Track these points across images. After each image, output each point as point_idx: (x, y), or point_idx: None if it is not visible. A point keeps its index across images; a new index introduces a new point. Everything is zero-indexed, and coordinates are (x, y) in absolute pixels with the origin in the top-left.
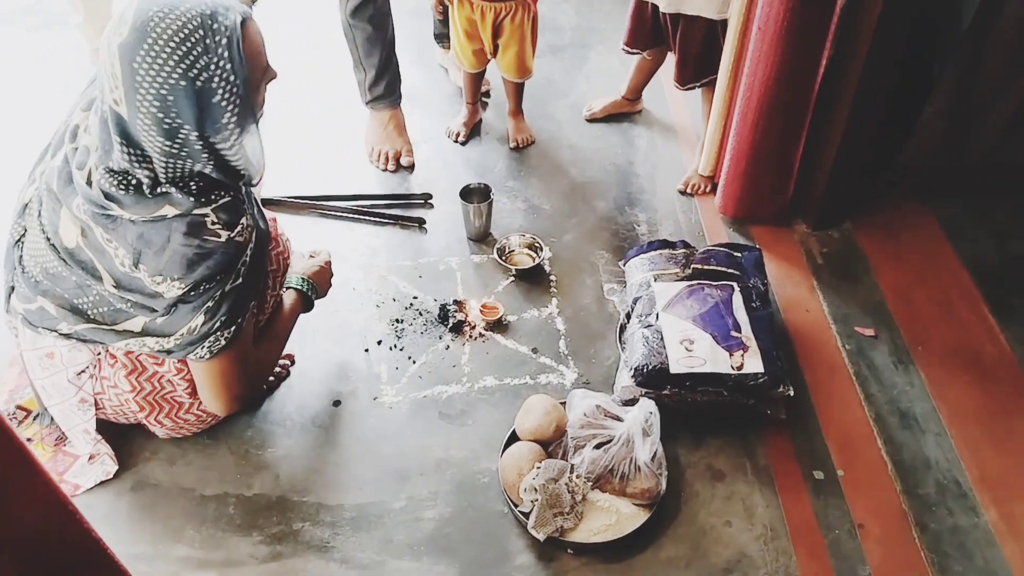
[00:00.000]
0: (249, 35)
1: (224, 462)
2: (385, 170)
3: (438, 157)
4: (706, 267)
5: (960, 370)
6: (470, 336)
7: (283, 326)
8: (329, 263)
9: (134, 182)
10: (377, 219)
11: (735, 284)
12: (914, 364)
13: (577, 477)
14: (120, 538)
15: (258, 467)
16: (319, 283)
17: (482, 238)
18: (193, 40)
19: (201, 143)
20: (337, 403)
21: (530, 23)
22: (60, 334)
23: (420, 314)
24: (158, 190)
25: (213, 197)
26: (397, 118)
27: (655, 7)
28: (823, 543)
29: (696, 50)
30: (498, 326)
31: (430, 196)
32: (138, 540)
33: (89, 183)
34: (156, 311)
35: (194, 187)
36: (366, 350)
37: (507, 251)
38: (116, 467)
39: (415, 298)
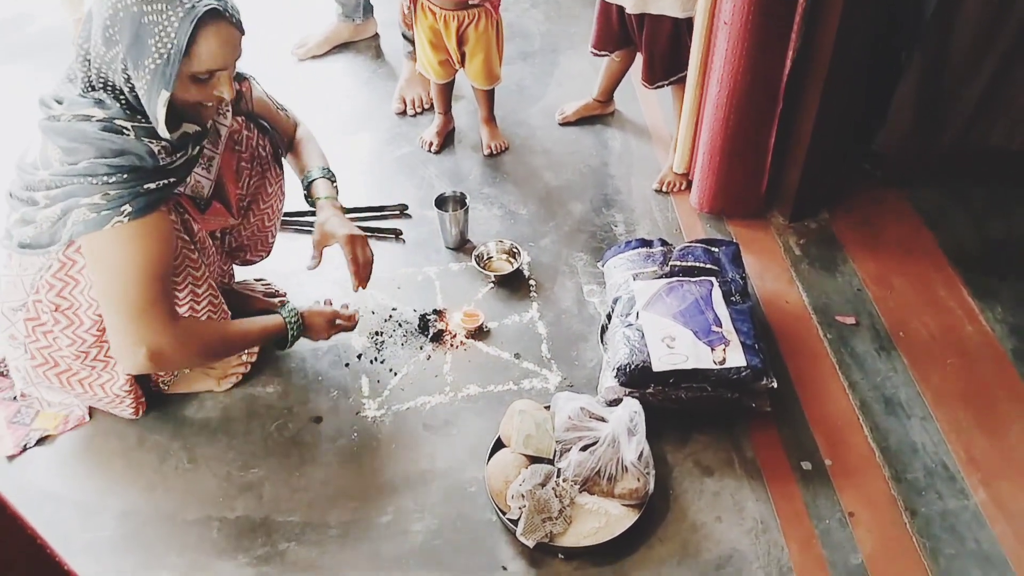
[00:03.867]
0: (208, 29)
1: (206, 485)
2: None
3: (412, 167)
4: (684, 264)
5: (942, 353)
6: (451, 345)
7: (242, 328)
8: (340, 317)
9: (76, 79)
10: None
11: (714, 279)
12: (896, 350)
13: (564, 481)
14: (103, 569)
15: (241, 489)
16: (311, 325)
17: (460, 246)
18: None
19: (122, 67)
20: (318, 420)
21: (494, 30)
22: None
23: (400, 325)
24: (91, 94)
25: (139, 118)
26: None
27: (620, 9)
28: (814, 534)
29: (663, 49)
30: (479, 333)
31: (406, 207)
32: (120, 570)
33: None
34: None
35: (124, 100)
36: (346, 365)
37: (485, 258)
38: (86, 417)
39: (394, 310)
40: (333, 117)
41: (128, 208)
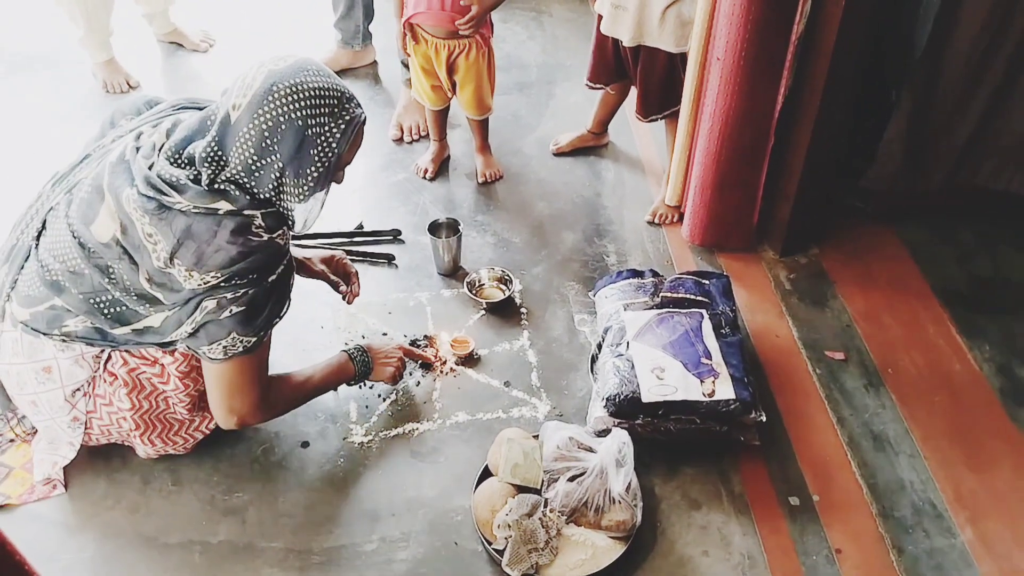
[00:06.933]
0: (361, 131)
1: (189, 509)
2: None
3: (407, 193)
4: (675, 295)
5: (930, 391)
6: (441, 372)
7: (314, 377)
8: (399, 356)
9: (194, 176)
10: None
11: (704, 311)
12: (885, 386)
13: (551, 511)
14: None
15: (224, 513)
16: (375, 360)
17: (452, 273)
18: (328, 102)
19: (277, 175)
20: (306, 444)
21: (485, 61)
22: (64, 334)
23: None
24: (215, 186)
25: (267, 206)
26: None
27: (616, 43)
28: (801, 570)
29: (657, 83)
30: (469, 360)
31: (399, 232)
32: None
33: (150, 169)
34: (176, 306)
35: (252, 192)
36: (335, 389)
37: (477, 285)
38: (54, 492)
39: (385, 334)
40: None
41: (277, 320)
